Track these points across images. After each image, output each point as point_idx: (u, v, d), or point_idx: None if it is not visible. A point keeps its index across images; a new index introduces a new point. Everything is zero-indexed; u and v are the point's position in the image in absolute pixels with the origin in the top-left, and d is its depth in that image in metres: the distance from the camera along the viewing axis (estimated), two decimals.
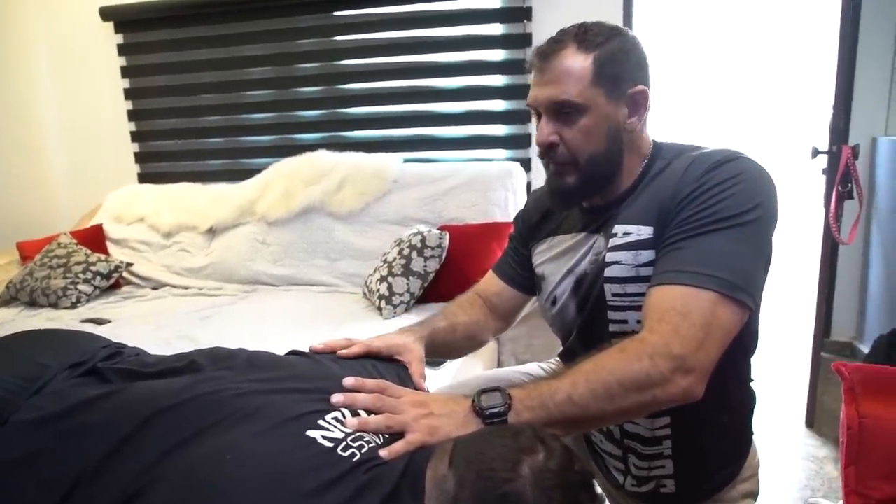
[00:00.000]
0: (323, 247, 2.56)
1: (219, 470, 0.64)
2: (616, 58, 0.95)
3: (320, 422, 0.72)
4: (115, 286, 2.63)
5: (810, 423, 2.15)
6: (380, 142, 2.91)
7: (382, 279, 2.17)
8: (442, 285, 2.18)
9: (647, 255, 0.93)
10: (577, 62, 0.94)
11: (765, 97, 2.97)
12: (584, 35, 0.96)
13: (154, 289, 2.62)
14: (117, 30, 3.01)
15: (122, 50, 3.03)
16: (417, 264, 2.14)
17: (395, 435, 0.77)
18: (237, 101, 2.99)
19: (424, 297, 2.19)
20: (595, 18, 2.76)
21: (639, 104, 0.98)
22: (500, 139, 2.83)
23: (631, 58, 0.97)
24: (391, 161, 2.61)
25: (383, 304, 2.12)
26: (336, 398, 0.78)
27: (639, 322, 0.94)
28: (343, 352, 0.96)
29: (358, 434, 0.73)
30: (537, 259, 1.14)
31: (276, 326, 2.05)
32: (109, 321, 2.22)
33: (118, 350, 0.92)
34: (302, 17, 2.86)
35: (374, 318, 2.11)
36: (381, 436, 0.76)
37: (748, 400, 1.05)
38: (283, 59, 2.92)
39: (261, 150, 3.03)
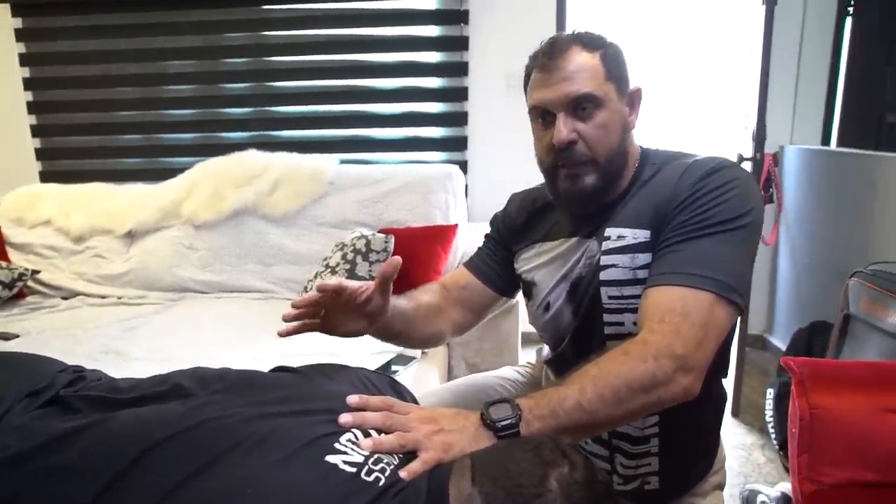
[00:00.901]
0: (256, 251, 2.44)
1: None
2: (618, 57, 0.99)
3: (336, 445, 0.68)
4: (19, 296, 2.37)
5: (736, 412, 2.29)
6: (312, 142, 2.82)
7: None
8: None
9: (644, 258, 0.94)
10: (588, 59, 0.96)
11: (690, 104, 3.15)
12: (583, 37, 0.98)
13: (65, 298, 2.39)
14: (15, 13, 2.74)
15: (21, 35, 2.76)
16: (362, 269, 2.09)
17: (409, 453, 0.74)
18: (156, 95, 2.80)
19: None
20: (531, 23, 2.80)
21: (635, 103, 1.02)
22: (435, 141, 2.82)
23: (624, 60, 1.00)
24: (327, 162, 2.53)
25: None
26: (345, 418, 0.73)
27: (635, 324, 0.95)
28: (318, 283, 0.92)
29: (377, 456, 0.69)
30: (524, 265, 1.13)
31: (213, 336, 1.93)
32: (17, 336, 2.00)
33: (79, 374, 0.82)
34: (228, 10, 2.72)
35: None
36: (395, 455, 0.73)
37: (722, 395, 1.10)
38: (207, 52, 2.76)
39: (182, 148, 2.85)
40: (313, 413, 0.73)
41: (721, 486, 1.16)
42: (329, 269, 2.12)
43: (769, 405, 2.01)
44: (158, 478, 0.62)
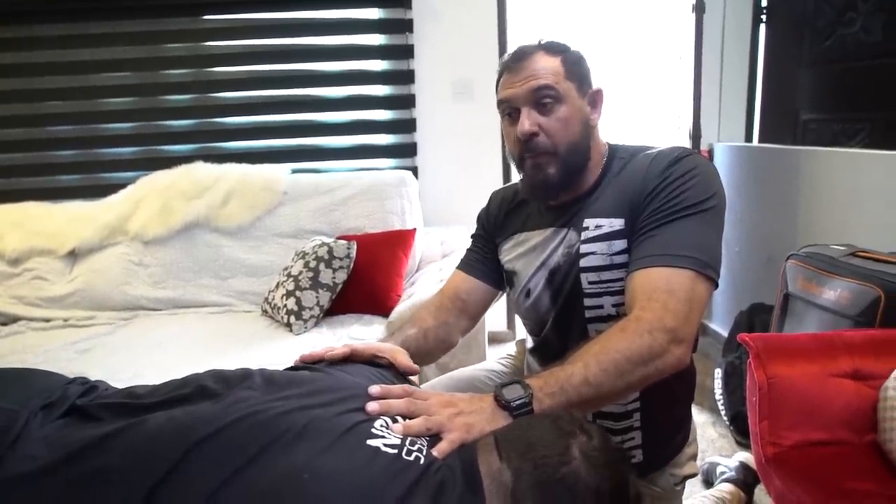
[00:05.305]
0: (211, 265, 2.39)
1: (301, 490, 0.60)
2: (579, 61, 1.09)
3: (373, 430, 0.71)
4: None
5: None
6: (260, 153, 2.79)
7: (289, 294, 2.08)
8: (349, 296, 2.15)
9: (620, 244, 1.03)
10: (549, 61, 1.05)
11: (623, 106, 3.33)
12: (546, 45, 1.08)
13: (4, 324, 2.26)
14: None
15: None
16: (326, 276, 2.09)
17: (433, 436, 0.78)
18: (92, 109, 2.69)
19: (332, 310, 2.14)
20: (474, 31, 2.87)
21: (597, 103, 1.11)
22: (385, 148, 2.85)
23: (586, 64, 1.10)
24: (280, 172, 2.52)
25: (293, 319, 2.04)
26: (372, 407, 0.76)
27: (613, 306, 1.04)
28: (329, 354, 0.94)
29: (410, 438, 0.72)
30: (506, 255, 1.21)
31: (177, 351, 1.89)
32: None
33: (90, 385, 0.81)
34: (167, 20, 2.65)
35: (283, 336, 2.02)
36: (422, 437, 0.76)
37: (692, 369, 1.19)
38: (146, 63, 2.68)
39: (123, 162, 2.75)
40: (341, 403, 0.75)
41: (694, 457, 1.25)
42: (291, 278, 2.11)
43: (718, 384, 2.15)
44: (207, 473, 0.63)
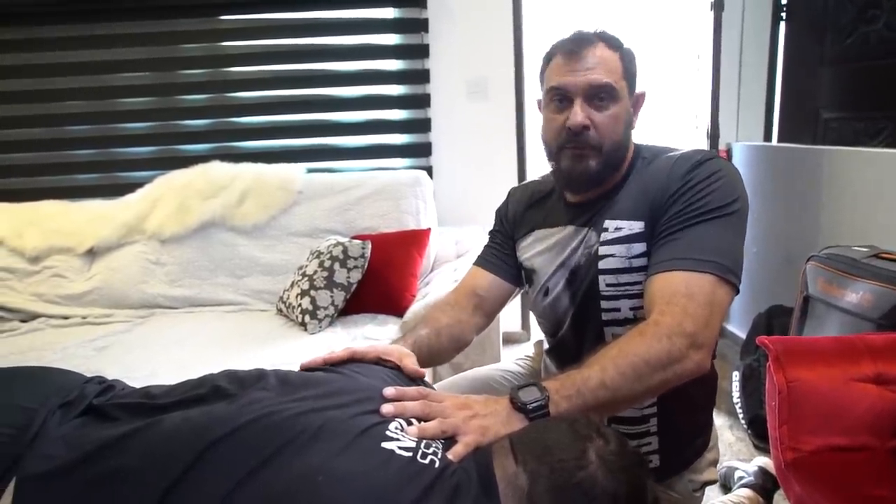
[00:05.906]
0: (227, 264, 2.41)
1: (316, 492, 0.60)
2: (633, 60, 1.08)
3: (388, 433, 0.70)
4: None
5: None
6: (275, 152, 2.80)
7: (304, 293, 2.09)
8: (364, 295, 2.15)
9: (639, 247, 1.02)
10: (610, 55, 1.03)
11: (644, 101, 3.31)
12: (605, 36, 1.06)
13: (24, 321, 2.29)
14: None
15: None
16: (341, 276, 2.09)
17: (448, 438, 0.77)
18: (109, 108, 2.71)
19: (346, 309, 2.14)
20: (489, 31, 2.85)
21: (639, 105, 1.11)
22: (400, 148, 2.85)
23: (636, 64, 1.09)
24: (295, 171, 2.52)
25: (307, 318, 2.04)
26: (386, 409, 0.76)
27: (631, 309, 1.03)
28: (329, 355, 0.94)
29: (426, 441, 0.72)
30: (524, 253, 1.20)
31: (193, 349, 1.90)
32: None
33: (107, 384, 0.82)
34: (183, 21, 2.67)
35: (298, 335, 2.02)
36: (438, 440, 0.76)
37: (713, 374, 1.17)
38: (163, 64, 2.70)
39: (140, 162, 2.78)
40: (356, 405, 0.75)
41: (715, 463, 1.23)
42: (306, 278, 2.12)
43: (736, 387, 2.12)
44: (222, 474, 0.63)
